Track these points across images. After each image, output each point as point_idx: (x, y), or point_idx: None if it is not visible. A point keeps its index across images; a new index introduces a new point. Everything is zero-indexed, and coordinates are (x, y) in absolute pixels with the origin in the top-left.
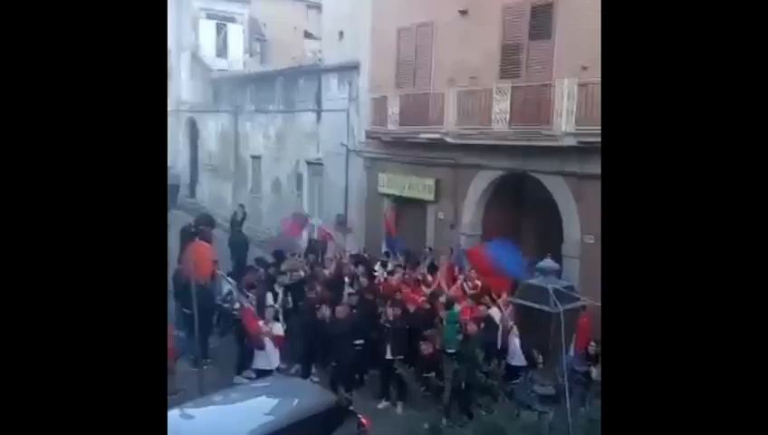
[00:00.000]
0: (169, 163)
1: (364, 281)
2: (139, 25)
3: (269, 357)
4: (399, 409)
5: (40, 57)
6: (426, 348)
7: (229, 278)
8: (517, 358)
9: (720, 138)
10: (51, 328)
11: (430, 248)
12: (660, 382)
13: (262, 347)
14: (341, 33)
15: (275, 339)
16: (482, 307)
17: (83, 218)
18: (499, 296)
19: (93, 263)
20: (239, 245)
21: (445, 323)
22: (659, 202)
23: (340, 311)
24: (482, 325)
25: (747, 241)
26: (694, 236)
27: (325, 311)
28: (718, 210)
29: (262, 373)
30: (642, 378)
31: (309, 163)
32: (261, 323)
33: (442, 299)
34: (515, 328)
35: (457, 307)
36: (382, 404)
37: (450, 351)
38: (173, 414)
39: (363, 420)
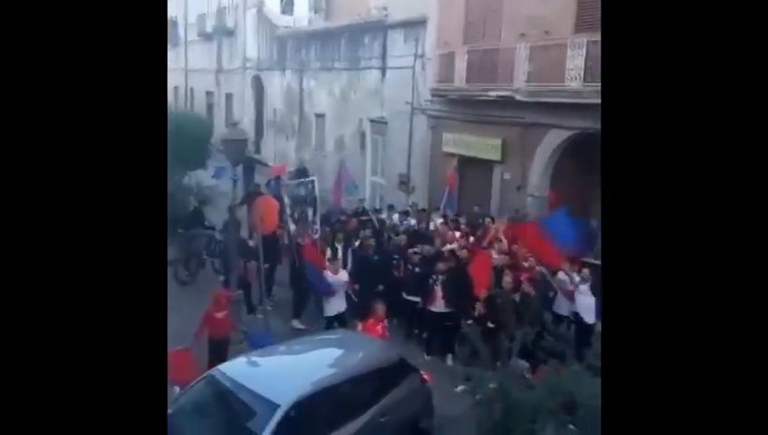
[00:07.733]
0: (237, 119)
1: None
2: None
3: (339, 302)
4: (452, 362)
5: (34, 41)
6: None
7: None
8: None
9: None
10: (49, 311)
11: (479, 205)
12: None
13: (332, 293)
14: None
15: (343, 285)
16: (536, 269)
17: (81, 199)
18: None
19: (93, 248)
20: None
21: None
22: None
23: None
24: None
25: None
26: (697, 194)
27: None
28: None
29: (332, 321)
30: (644, 321)
31: (372, 121)
32: (328, 264)
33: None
34: (588, 286)
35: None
36: (448, 361)
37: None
38: (240, 361)
39: (426, 377)
